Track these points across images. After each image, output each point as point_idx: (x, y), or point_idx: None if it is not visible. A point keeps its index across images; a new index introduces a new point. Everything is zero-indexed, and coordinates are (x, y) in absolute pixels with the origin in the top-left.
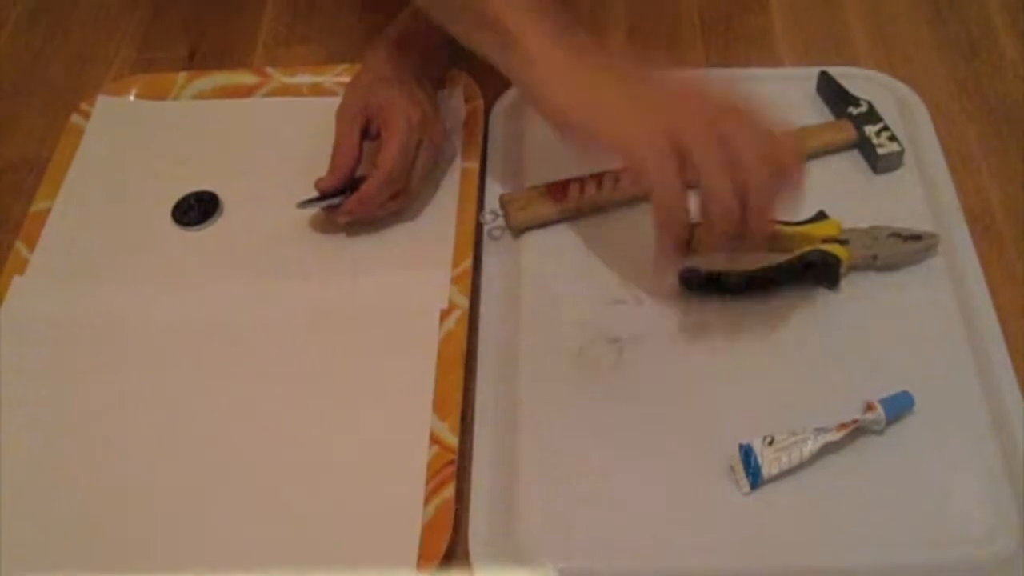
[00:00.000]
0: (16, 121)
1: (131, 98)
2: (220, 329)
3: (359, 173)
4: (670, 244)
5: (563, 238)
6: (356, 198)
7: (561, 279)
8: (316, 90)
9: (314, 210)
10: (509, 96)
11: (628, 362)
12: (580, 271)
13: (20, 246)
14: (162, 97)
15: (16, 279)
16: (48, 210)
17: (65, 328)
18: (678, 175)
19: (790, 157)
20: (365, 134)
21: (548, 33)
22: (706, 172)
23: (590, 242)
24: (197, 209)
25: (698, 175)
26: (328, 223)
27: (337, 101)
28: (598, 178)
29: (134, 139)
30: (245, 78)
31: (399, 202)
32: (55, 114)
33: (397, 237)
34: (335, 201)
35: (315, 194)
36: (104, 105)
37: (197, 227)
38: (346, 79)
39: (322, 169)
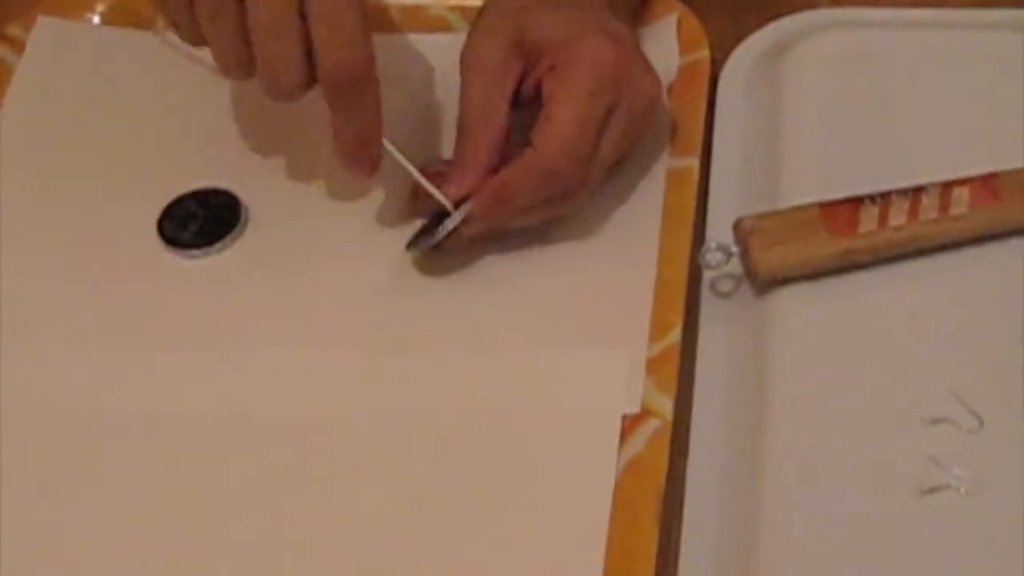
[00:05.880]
0: None
1: (94, 21)
2: (259, 437)
3: None
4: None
5: (845, 301)
6: (490, 193)
7: (839, 371)
8: (418, 19)
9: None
10: (756, 44)
11: (950, 530)
12: (875, 359)
13: None
14: (147, 25)
15: None
16: None
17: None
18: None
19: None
20: (518, 95)
21: None
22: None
23: (894, 310)
24: (203, 220)
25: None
26: (434, 250)
27: (459, 39)
28: (913, 195)
29: (94, 92)
30: None
31: (563, 204)
32: None
33: (551, 279)
34: (464, 212)
35: (417, 222)
36: (46, 31)
37: (201, 251)
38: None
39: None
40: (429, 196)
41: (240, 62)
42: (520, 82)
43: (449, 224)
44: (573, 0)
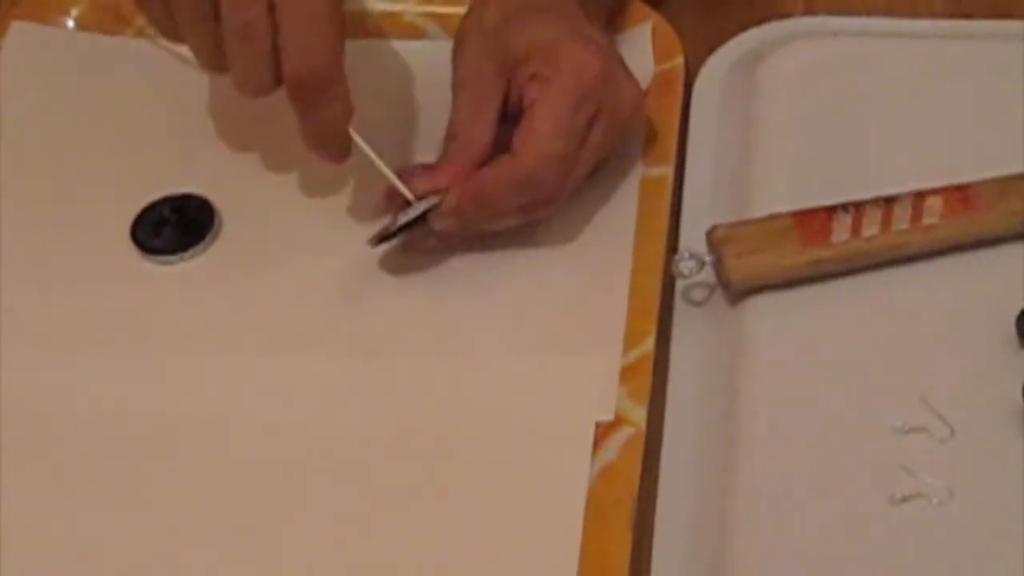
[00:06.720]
0: None
1: (68, 26)
2: (236, 441)
3: None
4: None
5: (818, 310)
6: (469, 189)
7: (812, 380)
8: (391, 25)
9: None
10: (731, 53)
11: (923, 539)
12: (847, 368)
13: None
14: (120, 30)
15: None
16: None
17: None
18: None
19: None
20: (504, 108)
21: None
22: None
23: (866, 319)
24: (175, 226)
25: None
26: (408, 255)
27: (432, 45)
28: (885, 205)
29: (68, 97)
30: None
31: (539, 210)
32: None
33: (526, 287)
34: (427, 205)
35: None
36: (21, 36)
37: (176, 257)
38: (459, 8)
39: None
40: (400, 197)
41: (215, 61)
42: (507, 93)
43: (411, 212)
44: (552, 6)
